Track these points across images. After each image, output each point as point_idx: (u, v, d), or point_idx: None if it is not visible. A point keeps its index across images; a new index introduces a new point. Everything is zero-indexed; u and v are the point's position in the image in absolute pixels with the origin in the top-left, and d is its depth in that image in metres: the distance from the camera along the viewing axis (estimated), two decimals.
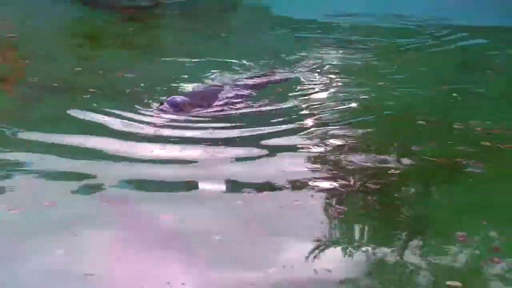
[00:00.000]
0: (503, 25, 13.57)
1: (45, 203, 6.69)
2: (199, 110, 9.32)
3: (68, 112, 9.05)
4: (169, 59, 12.01)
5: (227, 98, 9.91)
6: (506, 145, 8.06)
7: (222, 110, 9.56)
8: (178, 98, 9.05)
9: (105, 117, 9.00)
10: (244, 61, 11.53)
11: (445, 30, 13.57)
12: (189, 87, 10.36)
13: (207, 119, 9.06)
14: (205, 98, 9.76)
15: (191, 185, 7.05)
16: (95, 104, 9.41)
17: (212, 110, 9.45)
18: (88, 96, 9.80)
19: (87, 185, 7.08)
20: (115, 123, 8.94)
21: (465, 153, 7.83)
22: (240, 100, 9.90)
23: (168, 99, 9.07)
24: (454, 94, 9.96)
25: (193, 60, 11.24)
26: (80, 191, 6.91)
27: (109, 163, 7.75)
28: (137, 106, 9.44)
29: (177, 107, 9.05)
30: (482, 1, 15.08)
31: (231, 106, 9.68)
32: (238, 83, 10.61)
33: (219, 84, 10.57)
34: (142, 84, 10.33)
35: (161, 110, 8.90)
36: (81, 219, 6.14)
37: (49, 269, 5.46)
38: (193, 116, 9.06)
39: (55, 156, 7.85)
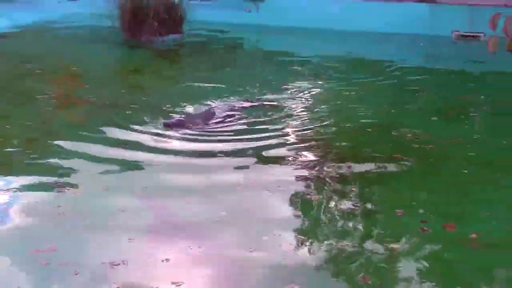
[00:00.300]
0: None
1: (103, 188, 6.98)
2: (198, 127, 8.93)
3: (114, 120, 9.31)
4: (190, 84, 11.84)
5: (220, 117, 9.51)
6: (429, 146, 8.27)
7: (216, 127, 9.13)
8: (175, 120, 8.76)
9: (140, 127, 9.03)
10: (243, 86, 11.46)
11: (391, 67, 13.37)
12: (193, 107, 9.96)
13: (204, 134, 8.78)
14: (202, 118, 9.32)
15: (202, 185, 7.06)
16: (134, 116, 9.50)
17: (208, 127, 9.04)
18: (130, 111, 9.82)
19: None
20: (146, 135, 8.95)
21: (400, 151, 8.01)
22: (231, 119, 9.57)
23: (170, 120, 8.77)
24: (393, 111, 10.11)
25: (207, 85, 11.41)
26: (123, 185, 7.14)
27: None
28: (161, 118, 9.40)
29: (177, 126, 8.68)
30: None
31: (224, 124, 9.29)
32: (228, 105, 10.20)
33: (214, 106, 10.13)
34: (168, 103, 10.26)
35: (167, 127, 8.63)
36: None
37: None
38: (192, 132, 8.69)
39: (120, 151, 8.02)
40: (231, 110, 9.97)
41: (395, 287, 5.14)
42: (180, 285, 4.97)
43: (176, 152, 8.31)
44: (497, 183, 7.22)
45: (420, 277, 5.23)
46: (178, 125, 8.65)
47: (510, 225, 6.15)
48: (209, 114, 9.56)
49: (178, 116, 8.75)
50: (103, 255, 5.38)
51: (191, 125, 8.87)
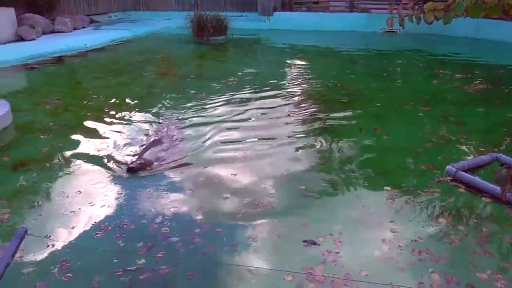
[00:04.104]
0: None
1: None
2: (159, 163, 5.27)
3: (190, 85, 9.23)
4: (230, 63, 11.84)
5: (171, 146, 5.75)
6: (360, 92, 8.16)
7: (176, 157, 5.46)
8: (134, 165, 4.99)
9: (209, 82, 8.93)
10: (259, 63, 11.45)
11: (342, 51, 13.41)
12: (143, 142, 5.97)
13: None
14: (158, 151, 5.51)
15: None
16: (202, 82, 9.49)
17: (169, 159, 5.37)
18: (199, 80, 9.79)
19: None
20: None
21: (344, 95, 7.82)
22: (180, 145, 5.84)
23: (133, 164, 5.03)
24: (341, 75, 9.87)
25: (239, 64, 11.18)
26: None
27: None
28: (214, 83, 9.32)
29: (141, 169, 5.02)
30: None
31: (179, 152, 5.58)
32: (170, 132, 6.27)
33: (160, 134, 6.20)
34: (220, 74, 10.06)
35: (131, 172, 4.96)
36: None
37: None
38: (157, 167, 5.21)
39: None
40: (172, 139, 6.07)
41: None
42: None
43: None
44: (395, 111, 7.22)
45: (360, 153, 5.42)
46: (142, 168, 5.07)
47: (403, 129, 6.31)
48: (161, 145, 5.76)
49: (139, 160, 5.15)
50: None
51: (154, 162, 5.26)
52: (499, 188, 4.20)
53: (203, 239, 3.81)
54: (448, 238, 3.75)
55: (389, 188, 4.62)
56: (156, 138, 6.14)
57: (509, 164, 4.86)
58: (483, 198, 4.36)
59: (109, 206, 4.39)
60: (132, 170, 5.05)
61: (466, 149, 5.59)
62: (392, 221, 4.00)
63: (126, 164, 5.27)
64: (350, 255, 3.54)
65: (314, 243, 3.67)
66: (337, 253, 3.56)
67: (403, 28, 2.83)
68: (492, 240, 3.75)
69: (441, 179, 4.77)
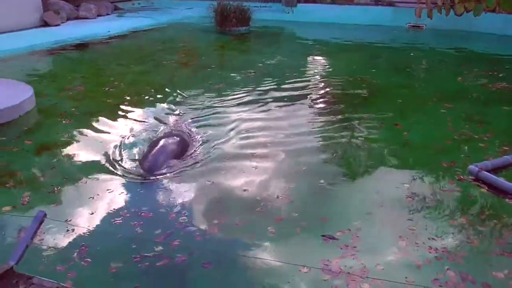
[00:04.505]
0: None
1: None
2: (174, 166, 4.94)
3: (210, 75, 9.30)
4: (252, 54, 11.71)
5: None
6: (380, 87, 8.06)
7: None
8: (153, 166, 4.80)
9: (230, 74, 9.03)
10: (282, 53, 11.14)
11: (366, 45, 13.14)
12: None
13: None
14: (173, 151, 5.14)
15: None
16: (224, 72, 9.55)
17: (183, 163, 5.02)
18: (220, 70, 9.81)
19: None
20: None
21: (364, 89, 7.80)
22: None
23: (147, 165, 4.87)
24: (363, 69, 9.59)
25: (261, 56, 10.99)
26: None
27: None
28: (235, 74, 9.37)
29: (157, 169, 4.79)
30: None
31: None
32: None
33: (179, 126, 6.15)
34: (242, 64, 10.14)
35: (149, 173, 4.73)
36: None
37: None
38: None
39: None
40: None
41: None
42: None
43: None
44: (417, 107, 7.09)
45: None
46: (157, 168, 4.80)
47: (424, 126, 6.24)
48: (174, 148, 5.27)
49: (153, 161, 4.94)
50: None
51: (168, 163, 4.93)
52: None
53: (221, 230, 3.85)
54: (467, 237, 3.73)
55: (408, 185, 4.59)
56: (174, 130, 6.09)
57: None
58: (506, 200, 4.29)
59: (127, 193, 4.44)
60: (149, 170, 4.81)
61: (489, 149, 5.49)
62: (411, 219, 3.99)
63: (145, 153, 5.22)
64: (367, 250, 3.55)
65: (333, 238, 3.69)
66: (355, 247, 3.58)
67: (431, 19, 2.80)
68: None
69: (462, 177, 4.72)
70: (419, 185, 4.62)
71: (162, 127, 6.27)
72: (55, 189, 4.52)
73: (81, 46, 12.13)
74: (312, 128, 6.23)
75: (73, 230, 3.82)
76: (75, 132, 5.98)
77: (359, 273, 3.28)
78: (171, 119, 6.65)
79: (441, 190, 4.50)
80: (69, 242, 3.67)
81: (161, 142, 5.39)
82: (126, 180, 4.71)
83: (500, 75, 9.16)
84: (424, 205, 4.22)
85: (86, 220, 3.99)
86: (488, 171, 4.66)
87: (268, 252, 3.56)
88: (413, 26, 14.93)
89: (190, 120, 6.54)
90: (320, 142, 5.72)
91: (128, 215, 4.07)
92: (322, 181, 4.68)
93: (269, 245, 3.65)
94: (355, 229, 3.82)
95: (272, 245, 3.66)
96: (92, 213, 4.09)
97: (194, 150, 5.45)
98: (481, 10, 2.12)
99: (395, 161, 5.22)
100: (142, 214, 4.09)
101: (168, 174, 4.82)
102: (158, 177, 4.75)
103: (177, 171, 4.91)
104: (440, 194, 4.42)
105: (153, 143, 5.47)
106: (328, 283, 3.20)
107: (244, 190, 4.52)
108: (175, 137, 5.66)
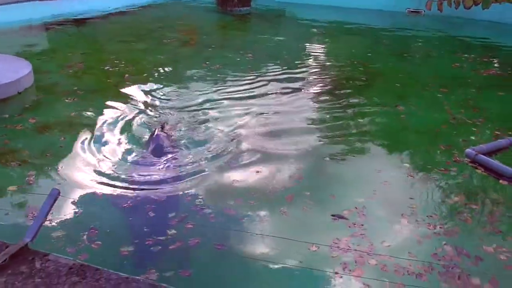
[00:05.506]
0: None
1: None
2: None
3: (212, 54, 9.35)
4: (253, 35, 11.75)
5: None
6: (380, 72, 8.18)
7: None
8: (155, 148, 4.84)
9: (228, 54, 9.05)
10: (283, 36, 11.18)
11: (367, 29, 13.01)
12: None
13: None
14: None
15: None
16: (224, 52, 9.57)
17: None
18: (221, 49, 9.83)
19: None
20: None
21: (364, 74, 7.91)
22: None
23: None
24: (365, 54, 9.71)
25: (262, 37, 11.08)
26: None
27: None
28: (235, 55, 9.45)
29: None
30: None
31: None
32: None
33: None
34: (242, 44, 10.19)
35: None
36: None
37: None
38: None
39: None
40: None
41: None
42: None
43: None
44: (414, 92, 7.24)
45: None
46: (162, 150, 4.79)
47: (422, 110, 6.40)
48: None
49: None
50: None
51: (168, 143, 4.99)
52: None
53: (235, 211, 3.91)
54: (461, 215, 3.99)
55: (408, 165, 4.85)
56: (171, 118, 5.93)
57: None
58: (500, 181, 4.54)
59: (138, 175, 4.37)
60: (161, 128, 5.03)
61: (483, 132, 5.72)
62: (412, 198, 4.23)
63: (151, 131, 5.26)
64: (373, 227, 3.78)
65: (342, 217, 3.89)
66: (362, 225, 3.80)
67: (441, 12, 2.90)
68: (502, 218, 3.96)
69: (459, 159, 4.96)
70: (418, 165, 4.85)
71: (165, 105, 6.33)
72: (61, 168, 4.49)
73: (80, 21, 12.02)
74: (313, 110, 6.37)
75: (82, 212, 3.78)
76: (78, 111, 5.97)
77: (367, 249, 3.49)
78: (174, 98, 6.69)
79: (438, 170, 4.74)
80: (78, 224, 3.62)
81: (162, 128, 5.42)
82: (134, 163, 4.62)
83: (495, 61, 9.36)
84: (423, 184, 4.46)
85: (95, 202, 3.92)
86: (483, 154, 4.89)
87: (279, 229, 3.70)
88: (412, 11, 15.00)
89: (191, 103, 6.50)
90: (322, 125, 5.87)
91: (139, 198, 3.99)
92: (327, 158, 4.92)
93: (281, 224, 3.79)
94: (361, 207, 4.02)
95: (284, 223, 3.80)
96: (101, 195, 4.02)
97: (202, 134, 5.42)
98: (490, 3, 2.29)
99: (394, 142, 5.45)
100: (154, 197, 4.02)
101: (177, 155, 4.79)
102: (168, 157, 4.72)
103: (186, 145, 5.00)
104: (438, 174, 4.67)
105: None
106: (338, 260, 3.37)
107: (257, 172, 4.60)
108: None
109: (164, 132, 5.29)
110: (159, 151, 4.80)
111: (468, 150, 4.96)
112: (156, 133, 5.18)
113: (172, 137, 5.26)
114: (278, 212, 3.94)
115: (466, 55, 9.79)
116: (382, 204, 4.12)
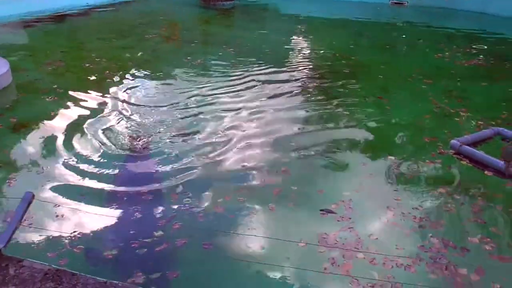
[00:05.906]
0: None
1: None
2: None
3: (194, 50, 9.43)
4: (236, 30, 11.70)
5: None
6: (363, 64, 8.15)
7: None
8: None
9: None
10: (266, 30, 11.19)
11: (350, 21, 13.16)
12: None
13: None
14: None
15: None
16: (208, 48, 9.64)
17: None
18: (204, 45, 9.89)
19: None
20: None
21: (346, 67, 7.89)
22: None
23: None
24: (348, 46, 9.73)
25: (245, 31, 11.08)
26: None
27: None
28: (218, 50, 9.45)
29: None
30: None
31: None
32: None
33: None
34: (225, 39, 10.10)
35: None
36: None
37: None
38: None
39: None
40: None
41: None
42: None
43: None
44: (397, 84, 7.26)
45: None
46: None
47: (405, 102, 6.44)
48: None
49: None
50: None
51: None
52: (502, 162, 4.45)
53: (224, 208, 3.85)
54: (446, 206, 4.00)
55: (393, 157, 4.83)
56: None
57: (510, 137, 5.10)
58: (485, 172, 4.55)
59: (121, 174, 4.29)
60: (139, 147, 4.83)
61: (467, 123, 5.74)
62: (396, 190, 4.22)
63: (132, 135, 5.16)
64: (360, 220, 3.76)
65: (331, 212, 3.86)
66: (350, 218, 3.79)
67: None
68: (486, 209, 3.98)
69: (443, 151, 4.96)
70: (403, 157, 4.83)
71: (149, 103, 6.23)
72: (43, 169, 4.38)
73: (59, 18, 11.79)
74: (297, 104, 6.33)
75: (63, 215, 3.65)
76: (58, 110, 5.85)
77: (354, 243, 3.47)
78: (158, 96, 6.61)
79: (423, 162, 4.74)
80: (59, 227, 3.50)
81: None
82: (117, 162, 4.54)
83: (478, 52, 9.42)
84: (407, 177, 4.46)
85: (77, 203, 3.81)
86: (468, 145, 4.89)
87: (268, 225, 3.67)
88: (396, 2, 15.04)
89: (173, 100, 6.40)
90: (306, 118, 5.84)
91: (125, 198, 3.91)
92: (312, 152, 4.89)
93: (269, 219, 3.77)
94: (347, 200, 4.01)
95: (271, 219, 3.77)
96: (83, 195, 3.91)
97: (183, 128, 5.40)
98: None
99: (379, 134, 5.42)
100: (141, 195, 3.95)
101: (164, 151, 4.75)
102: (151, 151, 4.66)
103: (168, 142, 4.96)
104: (422, 166, 4.67)
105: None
106: (326, 255, 3.34)
107: (243, 166, 4.58)
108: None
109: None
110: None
111: (453, 141, 4.97)
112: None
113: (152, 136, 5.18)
114: (267, 209, 3.90)
115: (448, 46, 9.85)
116: (368, 197, 4.10)
